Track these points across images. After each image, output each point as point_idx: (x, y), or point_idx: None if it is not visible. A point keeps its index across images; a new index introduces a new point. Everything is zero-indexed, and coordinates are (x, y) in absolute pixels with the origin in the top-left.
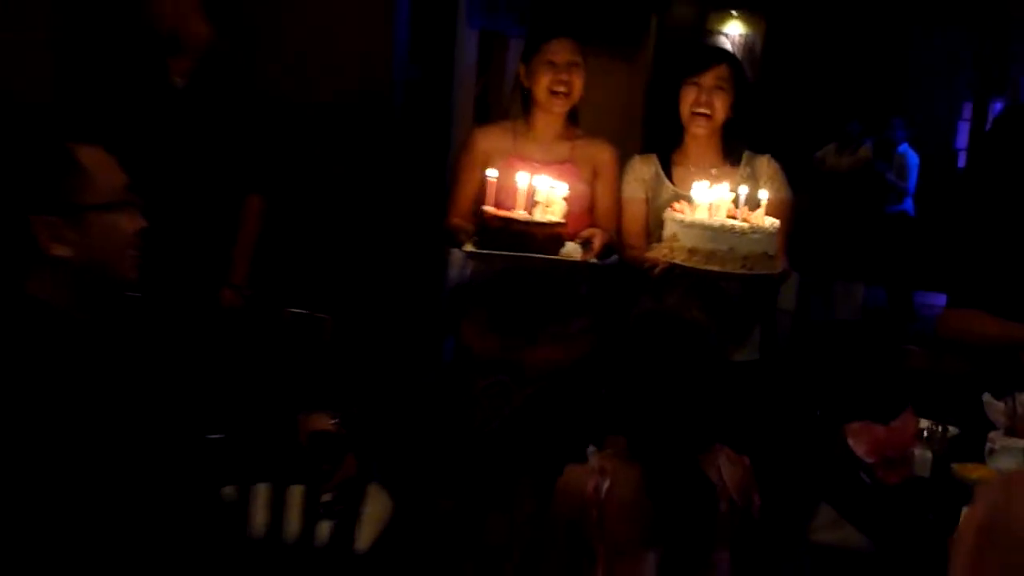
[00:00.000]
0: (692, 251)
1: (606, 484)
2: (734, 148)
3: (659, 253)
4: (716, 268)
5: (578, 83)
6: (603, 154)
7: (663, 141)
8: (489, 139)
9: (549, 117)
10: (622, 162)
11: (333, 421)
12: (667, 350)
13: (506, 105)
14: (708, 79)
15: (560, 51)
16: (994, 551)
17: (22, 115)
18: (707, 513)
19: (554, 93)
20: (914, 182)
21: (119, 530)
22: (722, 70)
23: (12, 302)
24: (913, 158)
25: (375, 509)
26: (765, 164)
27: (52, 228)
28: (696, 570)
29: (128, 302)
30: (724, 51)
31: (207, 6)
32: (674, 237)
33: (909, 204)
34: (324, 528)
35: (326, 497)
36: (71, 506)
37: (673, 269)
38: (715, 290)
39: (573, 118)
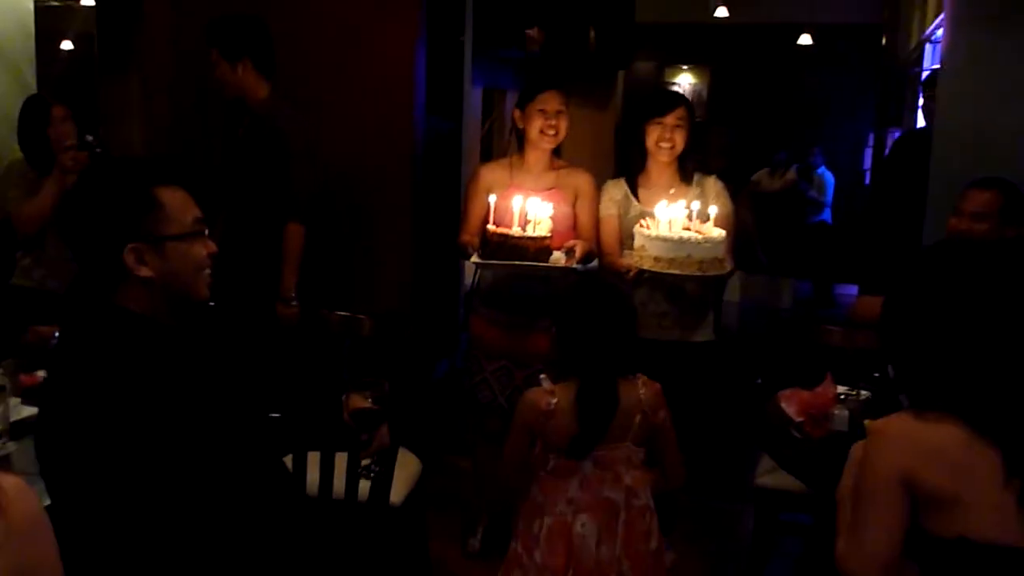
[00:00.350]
0: (657, 259)
1: (553, 402)
2: (687, 171)
3: (631, 260)
4: (677, 272)
5: (563, 126)
6: (582, 181)
7: (630, 168)
8: (491, 172)
9: (538, 153)
10: (598, 186)
11: (370, 399)
12: (594, 303)
13: (505, 144)
14: (670, 119)
15: (550, 101)
16: (859, 494)
17: (115, 163)
18: (606, 417)
19: (544, 134)
20: (831, 196)
21: (210, 495)
22: (680, 111)
23: (104, 311)
24: (830, 178)
25: (406, 469)
26: (712, 183)
27: (138, 254)
28: (614, 458)
29: (203, 310)
30: (680, 95)
31: (260, 68)
32: (642, 248)
33: (828, 215)
34: (364, 487)
35: (365, 462)
36: (173, 478)
37: (642, 273)
38: (675, 288)
39: (557, 152)
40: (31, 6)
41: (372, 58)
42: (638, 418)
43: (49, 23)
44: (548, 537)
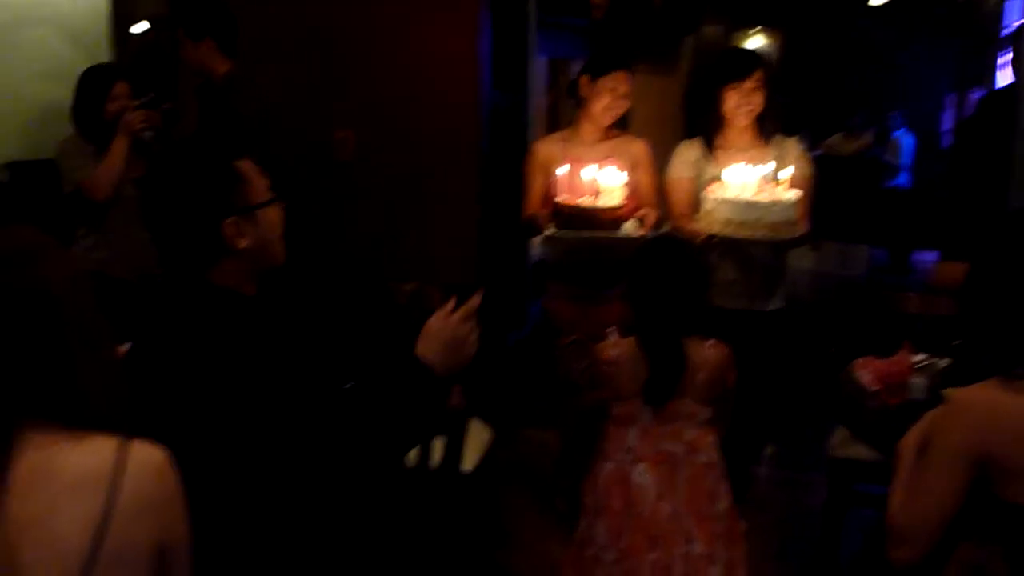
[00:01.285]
0: (726, 222)
1: (617, 351)
2: (766, 132)
3: (700, 225)
4: (747, 235)
5: (626, 106)
6: (637, 148)
7: (706, 132)
8: (545, 148)
9: (593, 125)
10: (665, 151)
11: None
12: (663, 260)
13: (571, 113)
14: (749, 83)
15: (619, 82)
16: (923, 457)
17: (191, 143)
18: (674, 369)
19: (608, 111)
20: (908, 160)
21: (297, 463)
22: (759, 73)
23: (204, 290)
24: (908, 142)
25: (477, 438)
26: (792, 144)
27: (235, 226)
28: (676, 412)
29: (282, 280)
30: (758, 56)
31: (222, 48)
32: (712, 212)
33: (904, 179)
34: (436, 453)
35: None
36: (269, 450)
37: (712, 237)
38: (745, 254)
39: (621, 122)
40: None
41: (435, 33)
42: (701, 375)
43: (124, 6)
44: (606, 482)
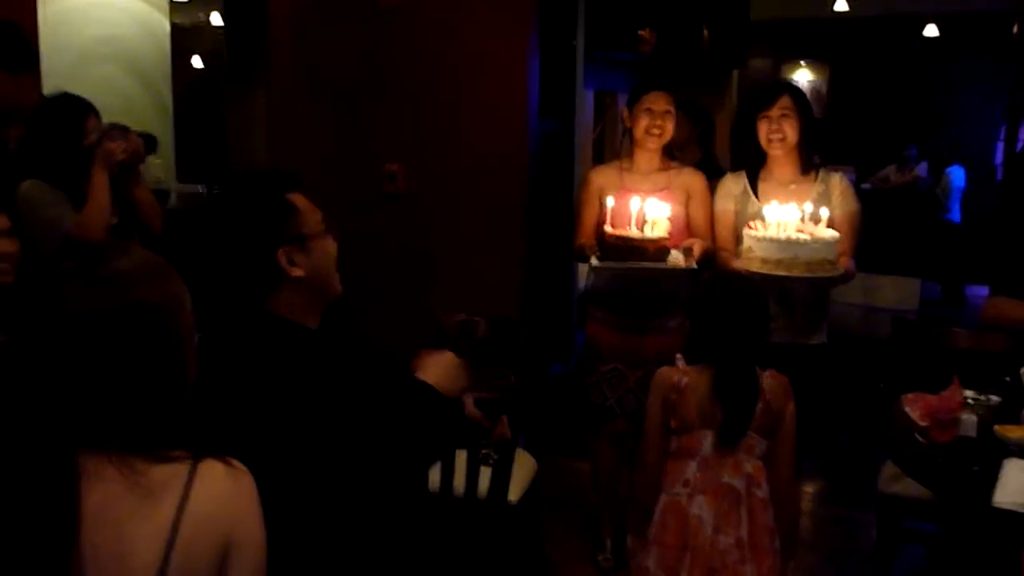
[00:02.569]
0: (764, 260)
1: (685, 380)
2: (809, 164)
3: (739, 263)
4: (784, 273)
5: (670, 127)
6: (694, 181)
7: (750, 164)
8: (601, 176)
9: (647, 154)
10: (713, 185)
11: (493, 389)
12: (732, 295)
13: (617, 146)
14: (775, 110)
15: (657, 101)
16: None
17: (246, 176)
18: (750, 403)
19: (649, 134)
20: (956, 197)
21: (349, 493)
22: (785, 100)
23: (261, 320)
24: (959, 173)
25: (522, 468)
26: (837, 180)
27: (289, 255)
28: (737, 445)
29: (338, 311)
30: (785, 84)
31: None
32: (749, 250)
33: (955, 213)
34: (483, 483)
35: (485, 451)
36: (325, 478)
37: (750, 276)
38: (784, 291)
39: (670, 154)
40: (168, 27)
41: (485, 65)
42: (760, 407)
43: (182, 42)
44: (662, 515)
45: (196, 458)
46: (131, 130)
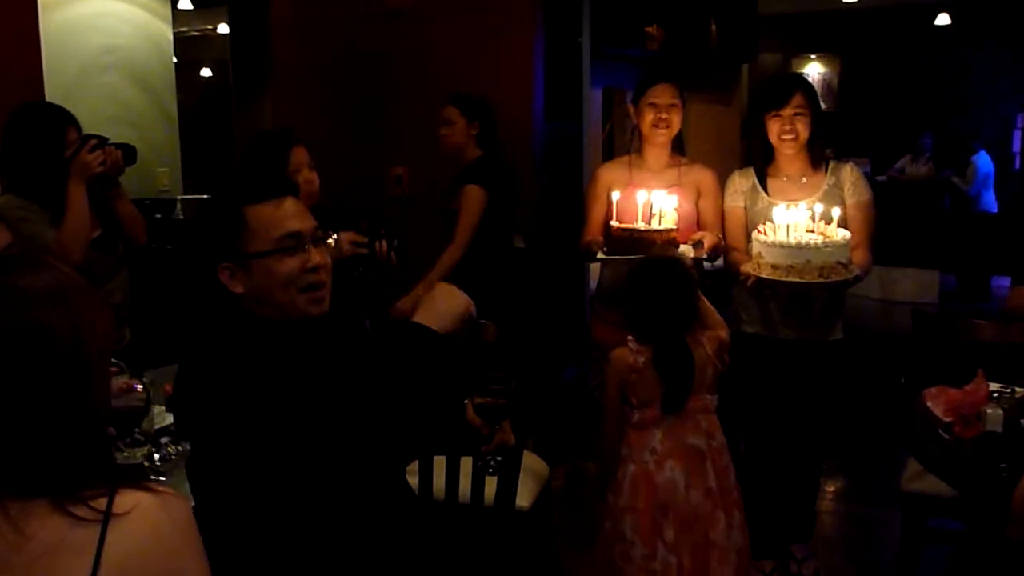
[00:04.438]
0: (775, 267)
1: (641, 359)
2: (818, 159)
3: (749, 268)
4: (796, 279)
5: (676, 120)
6: (704, 177)
7: (759, 159)
8: (610, 172)
9: (656, 149)
10: (720, 180)
11: (494, 395)
12: (655, 279)
13: (627, 144)
14: (788, 110)
15: (662, 94)
16: None
17: (215, 185)
18: (687, 374)
19: (655, 128)
20: (979, 185)
21: (335, 496)
22: (797, 99)
23: (240, 317)
24: (985, 162)
25: (534, 474)
26: (848, 171)
27: (230, 272)
28: (691, 408)
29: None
30: (797, 81)
31: None
32: (759, 256)
33: (989, 201)
34: (491, 491)
35: (489, 458)
36: (304, 478)
37: (762, 282)
38: (796, 295)
39: (680, 149)
40: (170, 36)
41: (491, 65)
42: (710, 371)
43: (188, 51)
44: (631, 484)
45: (112, 493)
46: (109, 141)
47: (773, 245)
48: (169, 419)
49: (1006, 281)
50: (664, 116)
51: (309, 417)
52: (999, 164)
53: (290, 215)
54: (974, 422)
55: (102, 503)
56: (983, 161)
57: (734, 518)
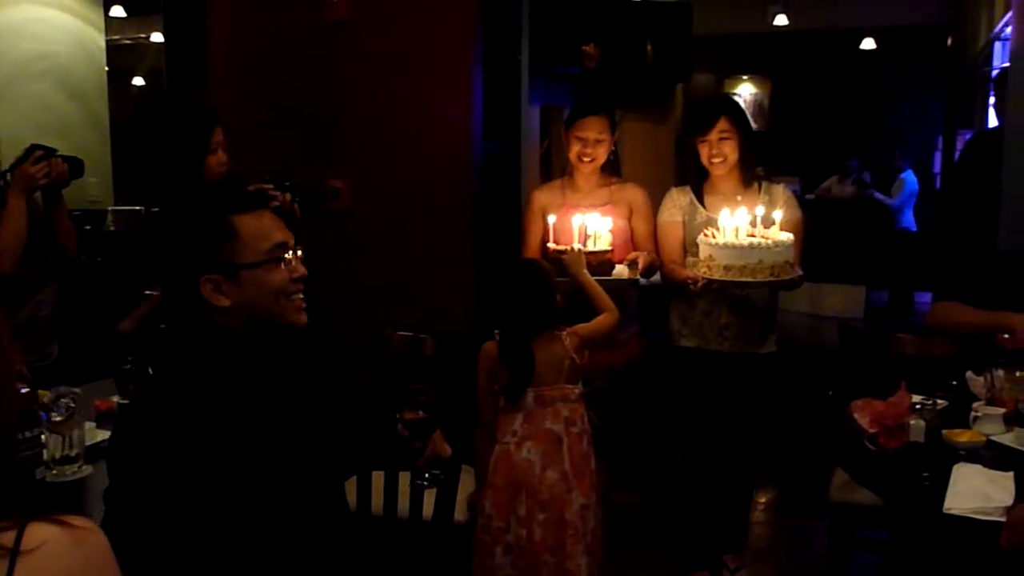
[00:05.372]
0: (727, 268)
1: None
2: (751, 177)
3: (698, 271)
4: (749, 279)
5: (602, 153)
6: (635, 195)
7: (694, 178)
8: (544, 195)
9: (581, 173)
10: (654, 198)
11: (421, 408)
12: (508, 279)
13: (564, 162)
14: (714, 134)
15: (590, 128)
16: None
17: (194, 193)
18: (526, 367)
19: (581, 161)
20: (902, 201)
21: (278, 513)
22: (723, 123)
23: (203, 329)
24: (911, 181)
25: (469, 488)
26: (780, 190)
27: (215, 284)
28: (553, 397)
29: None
30: (721, 104)
31: None
32: (710, 258)
33: (904, 220)
34: (429, 506)
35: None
36: (247, 488)
37: (710, 284)
38: (738, 299)
39: (616, 169)
40: (103, 44)
41: (428, 83)
42: (567, 363)
43: (121, 60)
44: (495, 462)
45: (23, 527)
46: (57, 153)
47: (725, 247)
48: (100, 435)
49: (928, 297)
50: (589, 151)
51: (267, 431)
52: (921, 184)
53: (273, 226)
54: (898, 433)
55: (10, 538)
56: (911, 179)
57: (590, 499)
